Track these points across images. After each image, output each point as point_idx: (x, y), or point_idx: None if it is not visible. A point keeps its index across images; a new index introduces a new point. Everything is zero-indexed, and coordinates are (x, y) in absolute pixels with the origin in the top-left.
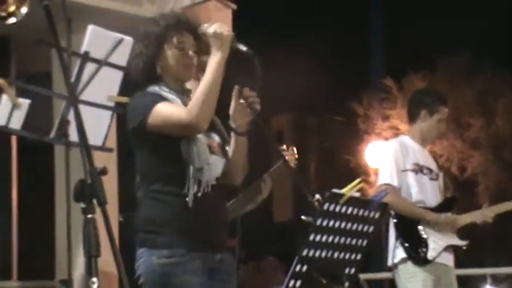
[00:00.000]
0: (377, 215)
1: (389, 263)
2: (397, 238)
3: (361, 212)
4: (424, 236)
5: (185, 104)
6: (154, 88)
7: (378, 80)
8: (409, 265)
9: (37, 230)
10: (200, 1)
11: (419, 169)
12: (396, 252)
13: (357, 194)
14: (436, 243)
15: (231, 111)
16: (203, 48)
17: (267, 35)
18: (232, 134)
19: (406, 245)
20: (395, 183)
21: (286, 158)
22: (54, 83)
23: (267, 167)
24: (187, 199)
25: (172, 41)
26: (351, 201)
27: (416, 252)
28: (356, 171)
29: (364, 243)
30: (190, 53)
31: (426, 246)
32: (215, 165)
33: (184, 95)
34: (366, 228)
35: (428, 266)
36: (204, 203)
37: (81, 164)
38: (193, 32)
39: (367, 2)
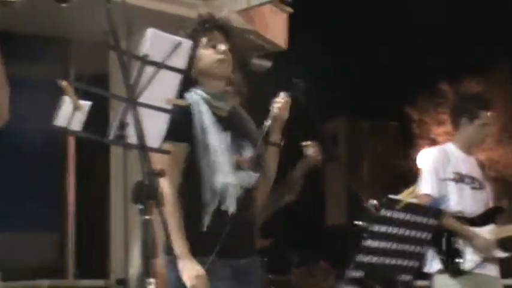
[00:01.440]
0: (434, 222)
1: (427, 271)
2: (434, 248)
3: (418, 219)
4: (461, 247)
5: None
6: (191, 95)
7: (433, 85)
8: (446, 277)
9: (92, 230)
10: (256, 4)
11: (460, 178)
12: (433, 263)
13: (414, 200)
14: (474, 254)
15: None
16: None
17: (319, 37)
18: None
19: (442, 255)
20: (434, 193)
21: (309, 153)
22: (111, 84)
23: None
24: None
25: (202, 41)
26: (408, 208)
27: (453, 264)
28: (409, 177)
29: (421, 250)
30: (223, 47)
31: (463, 257)
32: (242, 180)
33: (222, 99)
34: (422, 234)
35: (465, 277)
36: (228, 216)
37: (137, 165)
38: (224, 29)
39: None
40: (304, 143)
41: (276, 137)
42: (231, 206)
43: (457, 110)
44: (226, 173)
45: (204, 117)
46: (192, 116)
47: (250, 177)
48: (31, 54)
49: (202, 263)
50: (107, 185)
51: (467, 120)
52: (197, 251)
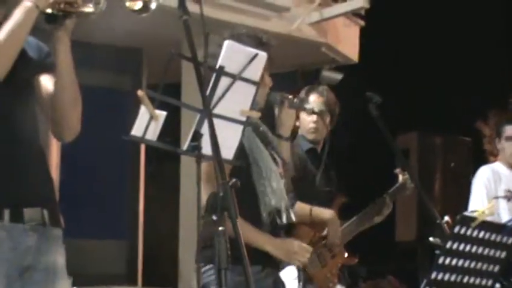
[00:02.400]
0: (510, 241)
1: None
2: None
3: (493, 237)
4: None
5: None
6: None
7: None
8: None
9: (162, 238)
10: (328, 17)
11: (509, 194)
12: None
13: (490, 218)
14: None
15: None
16: None
17: (391, 50)
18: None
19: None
20: (489, 210)
21: (403, 182)
22: (183, 94)
23: (387, 188)
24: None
25: None
26: (483, 225)
27: (509, 282)
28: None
29: (496, 269)
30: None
31: None
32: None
33: None
34: (498, 253)
35: None
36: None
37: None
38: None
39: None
40: (398, 171)
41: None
42: (284, 221)
43: (498, 128)
44: (280, 197)
45: (255, 141)
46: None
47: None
48: (104, 64)
49: (254, 272)
50: (177, 193)
51: (498, 139)
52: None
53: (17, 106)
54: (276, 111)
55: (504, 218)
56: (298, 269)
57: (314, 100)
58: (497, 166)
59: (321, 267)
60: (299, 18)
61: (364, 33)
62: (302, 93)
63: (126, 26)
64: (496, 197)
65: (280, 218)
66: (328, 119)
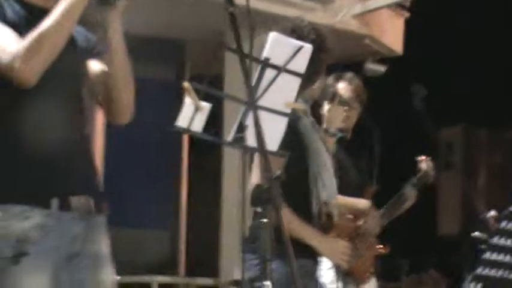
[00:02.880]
0: None
1: None
2: None
3: None
4: None
5: None
6: None
7: None
8: None
9: (204, 229)
10: (372, 8)
11: None
12: None
13: None
14: None
15: None
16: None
17: (436, 42)
18: None
19: None
20: None
21: (423, 168)
22: (226, 86)
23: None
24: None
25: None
26: None
27: None
28: None
29: None
30: None
31: None
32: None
33: None
34: None
35: None
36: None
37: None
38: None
39: None
40: (419, 158)
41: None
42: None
43: None
44: (332, 191)
45: (313, 133)
46: (300, 127)
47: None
48: (148, 55)
49: (303, 266)
50: (219, 184)
51: None
52: (298, 254)
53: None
54: (326, 106)
55: None
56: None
57: (343, 87)
58: None
59: (357, 259)
60: (343, 10)
61: (409, 25)
62: (330, 80)
63: (170, 17)
64: None
65: (330, 212)
66: (357, 107)
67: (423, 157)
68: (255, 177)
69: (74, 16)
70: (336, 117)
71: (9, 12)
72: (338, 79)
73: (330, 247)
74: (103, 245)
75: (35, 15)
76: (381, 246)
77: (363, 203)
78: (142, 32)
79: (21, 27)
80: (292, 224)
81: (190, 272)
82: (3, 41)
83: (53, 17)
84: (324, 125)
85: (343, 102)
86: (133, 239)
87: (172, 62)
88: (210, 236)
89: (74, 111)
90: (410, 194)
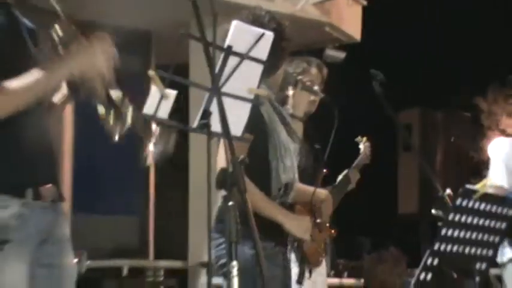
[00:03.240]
0: (510, 212)
1: (498, 260)
2: (507, 237)
3: (494, 209)
4: None
5: None
6: None
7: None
8: None
9: (172, 214)
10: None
11: None
12: (504, 252)
13: (491, 191)
14: None
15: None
16: None
17: (393, 28)
18: None
19: None
20: (505, 185)
21: (362, 148)
22: (191, 74)
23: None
24: None
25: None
26: (484, 198)
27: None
28: (481, 168)
29: (496, 239)
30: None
31: None
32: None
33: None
34: (498, 224)
35: None
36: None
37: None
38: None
39: None
40: (359, 139)
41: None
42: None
43: None
44: (292, 175)
45: (274, 118)
46: (262, 112)
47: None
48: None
49: (264, 248)
50: (186, 170)
51: None
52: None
53: None
54: (290, 91)
55: None
56: (294, 249)
57: (315, 74)
58: None
59: (312, 242)
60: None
61: (366, 12)
62: (302, 65)
63: (135, 7)
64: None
65: (287, 195)
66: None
67: (361, 138)
68: (220, 161)
69: (47, 89)
70: (301, 102)
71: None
72: (310, 64)
73: (296, 222)
74: (66, 229)
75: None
76: (331, 230)
77: (324, 193)
78: (108, 22)
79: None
80: (258, 200)
81: (159, 256)
82: None
83: (28, 84)
84: (290, 110)
85: (308, 88)
86: (104, 225)
87: (138, 51)
88: (178, 221)
89: (42, 110)
90: (353, 176)
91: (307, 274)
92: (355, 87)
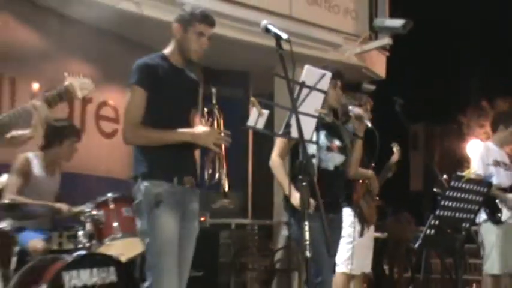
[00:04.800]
0: (485, 190)
1: (477, 221)
2: (482, 206)
3: (475, 188)
4: (500, 206)
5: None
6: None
7: (477, 101)
8: (489, 224)
9: (263, 187)
10: (366, 50)
11: (497, 163)
12: (481, 216)
13: (474, 176)
14: (508, 210)
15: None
16: None
17: (408, 66)
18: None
19: (487, 210)
20: (481, 173)
21: (395, 151)
22: (276, 99)
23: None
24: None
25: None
26: (470, 181)
27: (494, 216)
28: (462, 161)
29: (476, 207)
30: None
31: (501, 212)
32: (331, 158)
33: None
34: (478, 198)
35: (502, 225)
36: (325, 177)
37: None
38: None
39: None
40: (393, 144)
41: (360, 133)
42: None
43: (497, 120)
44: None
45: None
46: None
47: (336, 157)
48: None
49: (330, 219)
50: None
51: (503, 127)
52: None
53: None
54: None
55: (494, 178)
56: (357, 212)
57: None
58: (489, 144)
59: (368, 208)
60: (347, 51)
61: (388, 60)
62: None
63: (240, 57)
64: (488, 164)
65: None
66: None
67: (395, 144)
68: (275, 154)
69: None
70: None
71: (160, 70)
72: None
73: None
74: (197, 204)
75: (175, 72)
76: (378, 200)
77: (369, 172)
78: (220, 67)
79: (164, 81)
80: (167, 135)
81: (255, 217)
82: (133, 116)
83: (161, 136)
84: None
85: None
86: (218, 197)
87: (241, 85)
88: (267, 192)
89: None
90: (391, 168)
91: (365, 229)
92: (382, 108)
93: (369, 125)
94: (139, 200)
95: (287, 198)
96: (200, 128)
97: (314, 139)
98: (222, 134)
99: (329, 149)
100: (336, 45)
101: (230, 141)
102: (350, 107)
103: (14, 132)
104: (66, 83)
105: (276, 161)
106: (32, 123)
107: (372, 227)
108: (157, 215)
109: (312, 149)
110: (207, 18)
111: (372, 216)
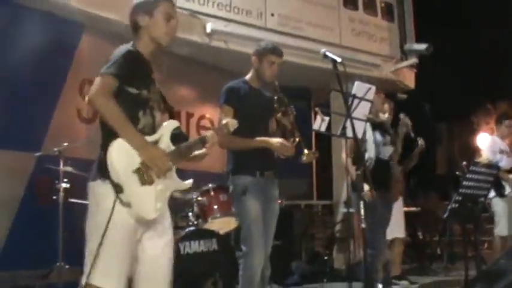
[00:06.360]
0: (496, 171)
1: (489, 196)
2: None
3: (488, 171)
4: (504, 184)
5: None
6: None
7: (484, 103)
8: (497, 198)
9: (325, 175)
10: (399, 67)
11: (501, 151)
12: (491, 192)
13: (485, 162)
14: (510, 187)
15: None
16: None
17: (429, 83)
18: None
19: (495, 188)
20: (492, 159)
21: (420, 144)
22: (332, 108)
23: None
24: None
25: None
26: (484, 165)
27: (500, 191)
28: (474, 151)
29: (489, 185)
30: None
31: (504, 188)
32: (386, 150)
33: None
34: (490, 178)
35: (505, 198)
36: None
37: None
38: None
39: None
40: (418, 138)
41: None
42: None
43: (497, 120)
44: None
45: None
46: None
47: (389, 149)
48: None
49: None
50: (331, 156)
51: (500, 125)
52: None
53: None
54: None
55: (499, 163)
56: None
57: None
58: (495, 138)
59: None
60: (385, 69)
61: (417, 76)
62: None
63: (303, 76)
64: (495, 152)
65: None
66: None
67: (420, 138)
68: (343, 152)
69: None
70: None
71: (242, 92)
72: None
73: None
74: (276, 191)
75: (254, 92)
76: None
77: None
78: (291, 84)
79: (245, 100)
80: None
81: (319, 198)
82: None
83: (245, 143)
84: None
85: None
86: (291, 184)
87: (303, 98)
88: (328, 178)
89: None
90: (415, 157)
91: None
92: (412, 112)
93: (412, 134)
94: (231, 189)
95: (354, 183)
96: (275, 139)
97: (366, 137)
98: (291, 144)
99: (384, 143)
100: (376, 65)
101: (294, 151)
102: (402, 115)
103: (196, 152)
104: (224, 121)
105: (344, 158)
106: (206, 146)
107: (401, 202)
108: (245, 201)
109: (369, 145)
110: (276, 51)
111: (396, 194)
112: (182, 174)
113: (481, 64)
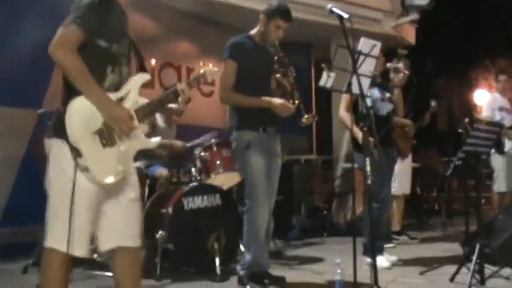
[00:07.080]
0: (498, 129)
1: (490, 153)
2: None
3: (491, 128)
4: (504, 140)
5: None
6: None
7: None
8: (496, 154)
9: (324, 134)
10: (400, 23)
11: (500, 109)
12: (492, 149)
13: (488, 119)
14: (510, 143)
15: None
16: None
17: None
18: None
19: (497, 145)
20: (491, 117)
21: (432, 105)
22: (335, 63)
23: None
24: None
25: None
26: (487, 123)
27: (499, 148)
28: (472, 108)
29: (491, 143)
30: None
31: (504, 145)
32: (384, 107)
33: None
34: (490, 135)
35: (505, 154)
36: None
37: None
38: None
39: None
40: (432, 100)
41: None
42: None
43: (496, 76)
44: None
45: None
46: None
47: (388, 105)
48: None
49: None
50: (331, 109)
51: (498, 82)
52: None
53: None
54: (391, 73)
55: (499, 119)
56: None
57: (401, 65)
58: (495, 94)
59: (403, 145)
60: (386, 25)
61: (417, 30)
62: (396, 61)
63: (304, 31)
64: (494, 109)
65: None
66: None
67: (433, 100)
68: (341, 107)
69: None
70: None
71: (247, 47)
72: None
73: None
74: (278, 147)
75: (258, 48)
76: (413, 139)
77: (408, 122)
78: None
79: (249, 56)
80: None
81: (319, 153)
82: (227, 83)
83: (248, 101)
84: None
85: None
86: (292, 139)
87: (304, 53)
88: (328, 133)
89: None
90: (427, 118)
91: (400, 159)
92: (412, 67)
93: (406, 72)
94: (235, 145)
95: (355, 140)
96: (277, 100)
97: (369, 95)
98: (293, 106)
99: (382, 99)
100: (377, 20)
101: (294, 111)
102: (388, 64)
103: (171, 105)
104: (202, 71)
105: (344, 114)
106: (179, 101)
107: (410, 158)
108: (249, 156)
109: (368, 101)
110: (285, 15)
111: (406, 151)
112: (183, 129)
113: (482, 21)
